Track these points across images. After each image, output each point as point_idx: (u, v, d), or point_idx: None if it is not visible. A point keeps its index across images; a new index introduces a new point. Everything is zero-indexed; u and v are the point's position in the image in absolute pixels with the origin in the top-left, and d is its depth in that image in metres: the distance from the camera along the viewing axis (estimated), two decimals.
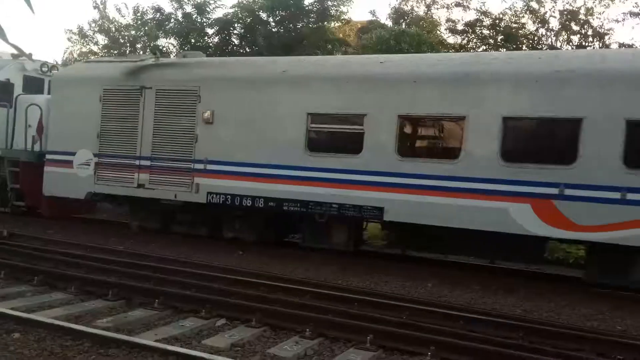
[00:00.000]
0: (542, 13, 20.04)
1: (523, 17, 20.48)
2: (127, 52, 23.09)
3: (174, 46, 22.67)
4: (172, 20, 21.79)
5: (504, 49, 20.04)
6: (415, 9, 21.90)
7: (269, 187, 10.16)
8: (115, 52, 22.88)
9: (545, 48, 19.74)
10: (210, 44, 21.41)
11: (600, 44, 19.57)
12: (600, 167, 8.15)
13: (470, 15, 21.33)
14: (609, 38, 19.51)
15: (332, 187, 9.72)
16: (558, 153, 8.60)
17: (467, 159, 8.95)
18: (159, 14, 22.10)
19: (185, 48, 21.36)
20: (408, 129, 10.06)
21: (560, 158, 8.49)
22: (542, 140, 8.84)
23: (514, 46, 19.86)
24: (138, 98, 11.21)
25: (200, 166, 10.69)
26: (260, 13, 20.32)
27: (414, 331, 5.65)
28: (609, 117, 8.13)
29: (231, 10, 20.97)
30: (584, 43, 19.80)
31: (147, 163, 11.13)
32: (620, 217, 8.01)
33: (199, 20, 21.33)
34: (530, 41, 20.37)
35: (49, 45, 51.78)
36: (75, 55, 24.49)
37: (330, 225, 10.25)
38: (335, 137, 10.26)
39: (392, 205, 9.34)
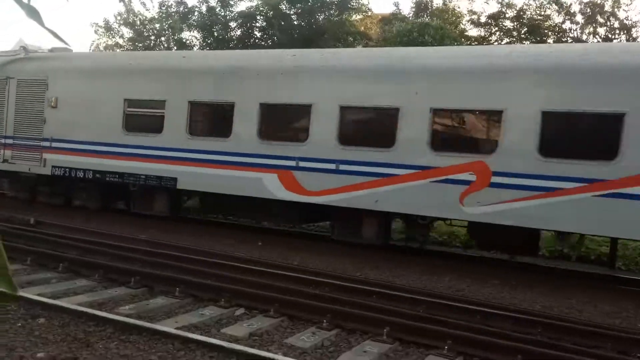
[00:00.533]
0: (567, 5, 19.62)
1: (548, 9, 20.06)
2: (152, 44, 23.36)
3: (197, 39, 22.85)
4: (196, 13, 21.95)
5: (528, 42, 19.69)
6: (437, 1, 21.60)
7: (96, 161, 12.09)
8: (140, 45, 23.16)
9: (570, 41, 19.33)
10: (233, 37, 21.52)
11: (628, 37, 19.09)
12: (323, 144, 9.97)
13: (493, 7, 20.91)
14: (637, 31, 19.02)
15: (140, 161, 11.66)
16: (295, 133, 10.56)
17: (235, 137, 10.76)
18: (182, 7, 22.29)
19: (209, 41, 21.52)
20: (196, 113, 11.66)
21: (297, 137, 10.42)
22: (285, 123, 10.92)
23: (539, 39, 19.49)
24: (5, 87, 13.20)
25: (47, 144, 12.69)
26: (281, 6, 20.33)
27: (431, 325, 5.65)
28: (329, 103, 9.96)
29: (254, 4, 21.05)
30: (610, 36, 19.33)
31: (10, 141, 13.15)
32: (335, 183, 9.88)
33: (223, 13, 21.45)
34: (556, 34, 19.96)
35: (76, 37, 52.62)
36: (101, 48, 24.85)
37: (153, 194, 12.04)
38: (145, 119, 11.96)
39: (183, 176, 11.23)
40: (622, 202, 7.94)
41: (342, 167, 9.76)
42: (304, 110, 10.19)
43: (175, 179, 11.28)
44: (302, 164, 10.09)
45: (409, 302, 6.63)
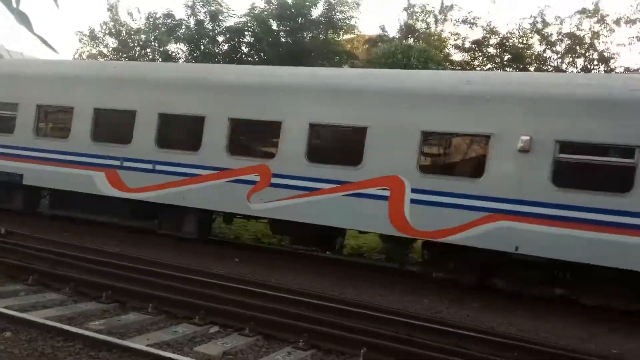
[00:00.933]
0: (549, 34, 20.12)
1: (531, 37, 20.55)
2: (137, 55, 23.22)
3: (184, 52, 22.81)
4: (183, 26, 21.94)
5: (511, 69, 20.10)
6: (422, 25, 21.95)
7: None
8: (125, 55, 23.00)
9: (551, 69, 19.80)
10: (220, 52, 21.53)
11: (606, 68, 19.63)
12: (143, 147, 11.16)
13: (477, 34, 21.30)
14: (614, 62, 19.57)
15: None
16: (121, 136, 11.51)
17: (73, 138, 11.90)
18: (170, 19, 22.25)
19: (195, 54, 21.49)
20: (42, 116, 12.73)
21: (122, 139, 11.47)
22: (113, 126, 12.07)
23: (521, 66, 19.92)
24: None
25: None
26: (269, 22, 20.44)
27: (407, 346, 5.60)
28: (150, 111, 11.24)
29: (242, 20, 21.12)
30: (589, 66, 19.86)
31: None
32: (152, 181, 10.98)
33: (211, 27, 21.48)
34: (537, 62, 20.43)
35: (61, 45, 52.13)
36: (84, 57, 24.63)
37: (10, 190, 12.77)
38: (3, 120, 12.89)
39: (29, 173, 12.15)
40: (364, 200, 9.47)
41: (158, 167, 11.05)
42: (129, 116, 11.43)
43: (21, 176, 12.30)
44: (125, 163, 11.31)
45: (388, 323, 6.57)
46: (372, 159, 9.46)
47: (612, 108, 8.27)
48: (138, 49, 23.54)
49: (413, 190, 9.15)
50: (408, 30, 21.31)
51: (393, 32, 21.68)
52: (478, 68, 20.79)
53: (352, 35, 22.29)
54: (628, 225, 7.87)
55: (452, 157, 9.95)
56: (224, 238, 13.58)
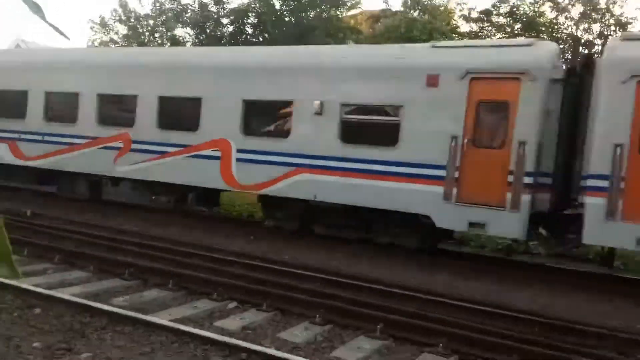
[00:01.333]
0: (561, 1, 19.61)
1: (542, 4, 20.05)
2: (146, 41, 23.25)
3: (190, 36, 22.78)
4: (189, 10, 21.88)
5: (522, 37, 19.72)
6: None
7: None
8: (134, 41, 23.06)
9: (565, 37, 19.39)
10: (225, 34, 21.47)
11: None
12: (35, 121, 13.03)
13: (485, 2, 20.85)
14: (632, 27, 19.02)
15: None
16: (18, 111, 13.22)
17: None
18: (176, 3, 22.20)
19: (201, 37, 21.45)
20: None
21: (19, 115, 13.21)
22: (13, 104, 13.44)
23: (534, 35, 19.50)
24: None
25: None
26: (273, 1, 20.27)
27: (425, 322, 5.65)
28: (38, 90, 13.07)
29: (246, 1, 20.97)
30: (605, 32, 19.37)
31: None
32: (42, 150, 12.81)
33: (215, 10, 21.38)
34: (550, 30, 19.96)
35: (74, 34, 52.30)
36: (96, 44, 24.75)
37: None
38: None
39: None
40: (201, 160, 11.01)
41: (46, 138, 12.86)
42: (22, 95, 13.24)
43: None
44: (22, 136, 13.16)
45: (404, 298, 6.63)
46: (207, 125, 11.04)
47: (380, 74, 9.71)
48: (147, 34, 23.57)
49: (238, 151, 10.71)
50: (413, 2, 20.87)
51: (398, 6, 21.27)
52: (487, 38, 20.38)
53: (356, 11, 21.99)
54: (396, 174, 9.37)
55: (267, 121, 11.30)
56: (241, 216, 13.79)
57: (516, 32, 20.19)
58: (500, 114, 8.84)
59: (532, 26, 19.71)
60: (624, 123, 7.84)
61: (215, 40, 20.80)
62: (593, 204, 7.93)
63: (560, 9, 19.61)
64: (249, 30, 21.55)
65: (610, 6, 19.04)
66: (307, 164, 10.11)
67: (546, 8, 19.99)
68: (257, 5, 20.54)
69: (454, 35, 19.66)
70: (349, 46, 17.12)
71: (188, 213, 12.97)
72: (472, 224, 8.82)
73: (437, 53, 9.72)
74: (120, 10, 23.91)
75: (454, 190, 8.87)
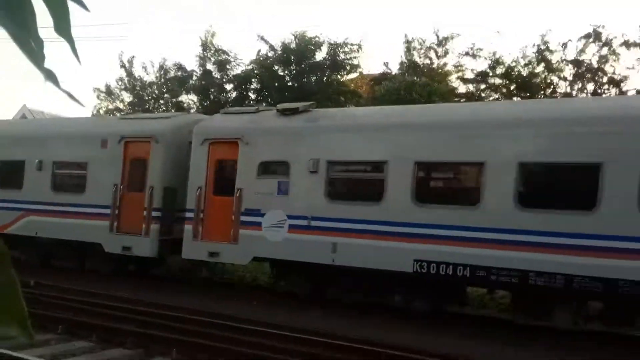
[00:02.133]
0: (554, 62, 20.26)
1: (537, 65, 20.70)
2: (151, 108, 24.02)
3: (194, 102, 23.54)
4: (194, 77, 22.74)
5: (517, 98, 20.28)
6: (421, 59, 22.26)
7: None
8: (139, 108, 23.83)
9: (560, 96, 19.90)
10: (229, 99, 22.20)
11: (617, 91, 19.59)
12: None
13: (481, 64, 21.52)
14: (624, 85, 19.52)
15: None
16: None
17: None
18: (181, 71, 23.11)
19: (205, 104, 22.17)
20: None
21: None
22: None
23: (528, 95, 20.05)
24: None
25: None
26: (275, 68, 21.08)
27: None
28: None
29: (249, 67, 21.83)
30: (599, 91, 19.87)
31: None
32: None
33: (218, 77, 22.24)
34: (544, 90, 20.52)
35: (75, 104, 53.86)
36: (102, 112, 25.54)
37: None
38: None
39: None
40: None
41: None
42: None
43: None
44: None
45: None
46: None
47: (75, 139, 13.36)
48: (152, 102, 24.37)
49: None
50: (410, 66, 21.68)
51: (397, 68, 21.98)
52: (485, 99, 20.98)
53: (356, 75, 22.77)
54: (85, 213, 12.51)
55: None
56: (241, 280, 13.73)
57: (512, 92, 20.78)
58: (142, 167, 12.02)
59: (526, 87, 20.32)
60: (202, 172, 11.12)
61: (219, 105, 21.49)
62: (187, 229, 11.08)
63: (552, 70, 20.26)
64: (252, 95, 22.28)
65: (602, 65, 19.65)
66: (29, 209, 13.09)
67: (540, 69, 20.65)
68: (260, 71, 21.36)
69: (451, 97, 20.24)
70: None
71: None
72: (125, 248, 11.78)
73: (113, 123, 14.18)
74: (125, 79, 24.82)
75: (115, 224, 12.03)
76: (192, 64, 24.39)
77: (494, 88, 21.48)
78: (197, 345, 6.74)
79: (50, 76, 0.84)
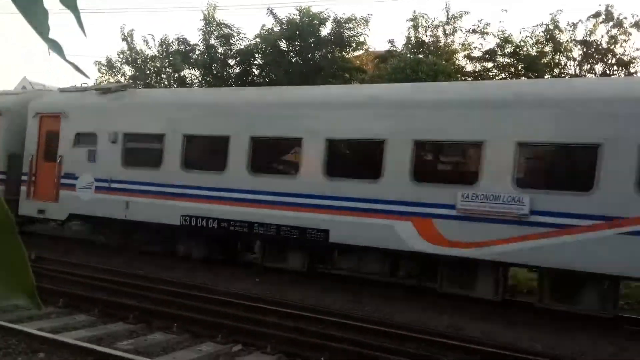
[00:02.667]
0: (563, 41, 19.97)
1: (545, 45, 20.41)
2: (153, 82, 23.76)
3: (197, 77, 23.26)
4: (197, 52, 22.42)
5: (525, 77, 20.03)
6: (428, 37, 21.94)
7: None
8: (141, 82, 23.57)
9: (568, 77, 19.65)
10: (232, 75, 21.93)
11: (626, 73, 19.34)
12: None
13: (489, 42, 21.19)
14: (634, 66, 19.26)
15: None
16: None
17: None
18: (184, 45, 22.78)
19: (208, 79, 21.90)
20: None
21: None
22: None
23: (536, 75, 19.81)
24: None
25: None
26: (279, 43, 20.77)
27: None
28: None
29: (252, 42, 21.51)
30: (607, 72, 19.63)
31: None
32: None
33: (222, 51, 21.93)
34: (552, 70, 20.27)
35: (78, 75, 53.59)
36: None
37: None
38: None
39: None
40: None
41: None
42: None
43: None
44: None
45: (408, 340, 6.60)
46: None
47: None
48: (154, 75, 24.10)
49: None
50: (416, 43, 21.35)
51: (402, 45, 21.61)
52: (492, 78, 20.73)
53: (362, 52, 22.45)
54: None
55: None
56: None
57: (519, 72, 20.53)
58: None
59: (534, 66, 20.05)
60: (34, 141, 12.87)
61: (221, 81, 21.24)
62: (22, 190, 13.03)
63: (561, 50, 19.97)
64: (256, 71, 22.00)
65: (612, 46, 19.36)
66: None
67: (549, 49, 20.36)
68: (263, 46, 21.03)
69: (458, 75, 19.99)
70: None
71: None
72: None
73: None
74: (127, 52, 24.53)
75: None
76: (194, 39, 24.02)
77: (502, 67, 21.22)
78: (198, 321, 6.74)
79: (55, 47, 0.84)
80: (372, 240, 9.39)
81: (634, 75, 18.86)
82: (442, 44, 21.58)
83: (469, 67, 21.63)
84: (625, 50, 19.27)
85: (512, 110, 8.87)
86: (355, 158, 10.87)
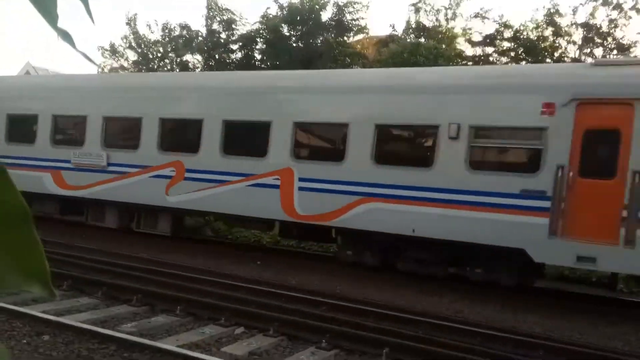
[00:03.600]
0: (564, 25, 19.87)
1: (545, 29, 20.30)
2: (156, 67, 23.64)
3: (199, 62, 23.14)
4: (199, 37, 22.29)
5: (525, 62, 19.93)
6: (431, 21, 21.78)
7: None
8: (144, 67, 23.45)
9: (569, 61, 19.55)
10: (235, 60, 21.82)
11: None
12: None
13: (489, 27, 21.09)
14: (634, 50, 19.18)
15: None
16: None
17: None
18: (186, 30, 22.64)
19: (211, 63, 21.78)
20: None
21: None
22: None
23: (536, 59, 19.72)
24: None
25: None
26: (281, 28, 20.66)
27: (430, 346, 5.67)
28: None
29: (254, 27, 21.37)
30: (608, 56, 19.54)
31: None
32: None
33: (224, 36, 21.79)
34: (552, 54, 20.16)
35: (83, 61, 53.27)
36: (106, 71, 25.20)
37: None
38: None
39: None
40: None
41: None
42: None
43: None
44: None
45: (409, 323, 6.66)
46: None
47: None
48: (157, 60, 23.98)
49: None
50: (417, 28, 21.20)
51: (402, 29, 21.48)
52: (493, 63, 20.61)
53: (363, 36, 22.31)
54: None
55: None
56: (246, 241, 13.84)
57: (520, 56, 20.43)
58: None
59: (534, 50, 19.94)
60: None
61: (224, 66, 21.13)
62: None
63: (561, 34, 19.86)
64: (258, 56, 21.89)
65: (612, 30, 19.25)
66: None
67: (549, 32, 20.25)
68: (266, 31, 20.92)
69: (458, 60, 19.87)
70: None
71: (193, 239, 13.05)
72: None
73: None
74: (131, 37, 24.38)
75: None
76: (195, 23, 23.90)
77: (502, 52, 21.11)
78: (200, 303, 6.78)
79: (65, 37, 0.84)
80: None
81: None
82: (443, 28, 21.43)
83: (469, 52, 21.52)
84: (625, 35, 19.19)
85: None
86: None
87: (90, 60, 0.96)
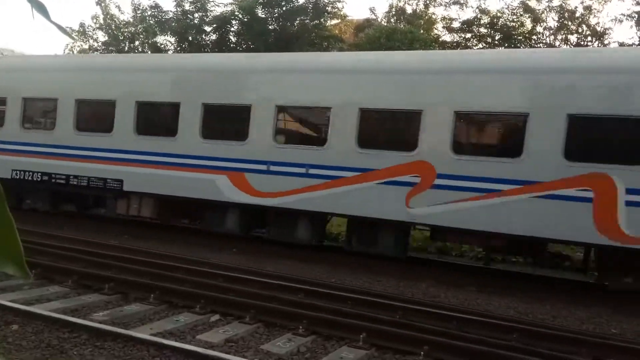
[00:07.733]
0: (539, 11, 20.04)
1: (521, 15, 20.47)
2: (126, 48, 23.07)
3: (172, 44, 22.66)
4: (171, 17, 21.80)
5: (502, 47, 20.08)
6: (411, 6, 21.80)
7: None
8: (114, 49, 22.86)
9: (542, 47, 19.77)
10: (208, 42, 21.42)
11: (600, 44, 19.54)
12: None
13: (468, 14, 21.24)
14: (608, 37, 19.45)
15: None
16: None
17: None
18: (157, 10, 22.09)
19: (183, 45, 21.36)
20: None
21: None
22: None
23: (512, 45, 19.88)
24: None
25: None
26: (256, 10, 20.33)
27: (407, 330, 5.67)
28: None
29: (229, 8, 20.98)
30: (581, 42, 19.81)
31: None
32: None
33: (197, 17, 21.35)
34: (528, 40, 20.37)
35: (50, 40, 51.73)
36: (75, 52, 24.47)
37: None
38: None
39: None
40: None
41: None
42: None
43: None
44: None
45: (386, 308, 6.67)
46: None
47: None
48: (127, 42, 23.40)
49: None
50: (396, 12, 21.18)
51: (382, 14, 21.47)
52: (469, 48, 20.72)
53: (338, 21, 22.15)
54: None
55: None
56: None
57: (496, 42, 20.59)
58: None
59: (511, 36, 20.11)
60: None
61: (197, 48, 20.73)
62: None
63: (537, 19, 20.04)
64: (233, 38, 21.50)
65: (586, 17, 19.49)
66: None
67: (526, 19, 20.43)
68: (241, 13, 20.52)
69: (434, 44, 19.92)
70: None
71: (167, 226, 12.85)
72: None
73: None
74: (100, 17, 23.69)
75: None
76: (167, 3, 23.36)
77: (479, 37, 21.24)
78: (175, 291, 6.67)
79: (40, 8, 0.83)
80: None
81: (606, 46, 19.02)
82: (420, 12, 21.44)
83: (448, 38, 21.61)
84: (598, 22, 19.45)
85: None
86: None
87: (65, 32, 0.94)
